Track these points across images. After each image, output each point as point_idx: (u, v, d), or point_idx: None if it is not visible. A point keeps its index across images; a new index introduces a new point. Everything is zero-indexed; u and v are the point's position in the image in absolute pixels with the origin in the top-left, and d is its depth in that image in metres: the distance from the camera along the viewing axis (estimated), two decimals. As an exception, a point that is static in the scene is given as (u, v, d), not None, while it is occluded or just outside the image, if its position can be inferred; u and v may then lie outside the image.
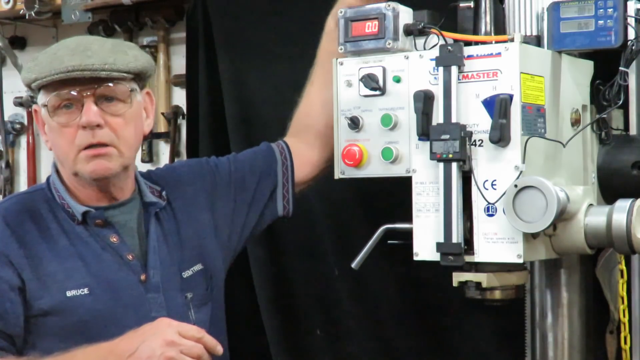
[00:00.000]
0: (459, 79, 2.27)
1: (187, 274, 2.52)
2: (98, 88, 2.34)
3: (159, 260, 2.46)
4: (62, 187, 2.44)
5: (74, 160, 2.36)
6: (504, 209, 2.20)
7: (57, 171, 2.47)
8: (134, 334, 2.22)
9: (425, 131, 2.29)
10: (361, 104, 2.44)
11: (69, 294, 2.32)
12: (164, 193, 2.56)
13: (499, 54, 2.24)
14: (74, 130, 2.35)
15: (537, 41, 2.37)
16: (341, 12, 2.45)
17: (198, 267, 2.54)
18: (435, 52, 2.30)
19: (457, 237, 2.25)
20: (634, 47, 2.31)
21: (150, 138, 3.91)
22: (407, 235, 2.38)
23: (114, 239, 2.42)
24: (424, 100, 2.29)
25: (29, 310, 2.31)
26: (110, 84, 2.35)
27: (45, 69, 2.32)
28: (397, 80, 2.38)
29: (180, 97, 3.84)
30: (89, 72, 2.31)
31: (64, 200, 2.42)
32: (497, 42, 2.28)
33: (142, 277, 2.42)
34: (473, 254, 2.27)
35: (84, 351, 2.23)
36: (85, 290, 2.34)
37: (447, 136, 2.25)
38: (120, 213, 2.45)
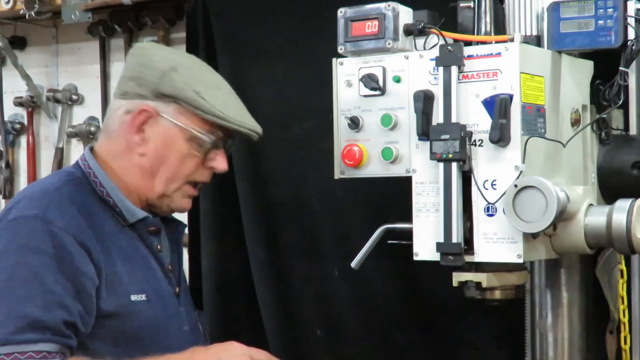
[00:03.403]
0: (459, 79, 2.27)
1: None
2: (233, 144, 2.44)
3: (183, 276, 2.49)
4: (112, 184, 2.37)
5: (175, 188, 2.37)
6: (504, 209, 2.20)
7: (100, 161, 2.39)
8: (206, 351, 2.22)
9: (425, 131, 2.29)
10: (361, 104, 2.44)
11: (133, 298, 2.28)
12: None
13: (499, 54, 2.24)
14: (195, 162, 2.37)
15: (537, 41, 2.37)
16: (341, 11, 2.45)
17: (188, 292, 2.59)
18: (435, 52, 2.30)
19: (457, 237, 2.25)
20: (634, 47, 2.31)
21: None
22: (407, 235, 2.37)
23: (159, 248, 2.41)
24: (424, 100, 2.28)
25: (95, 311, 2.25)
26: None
27: (232, 114, 2.36)
28: (397, 80, 2.38)
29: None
30: (256, 135, 2.42)
31: (110, 198, 2.36)
32: (497, 42, 2.29)
33: (177, 290, 2.43)
34: (473, 253, 2.27)
35: (169, 357, 2.21)
36: (144, 297, 2.31)
37: (447, 136, 2.25)
38: None
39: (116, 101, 2.42)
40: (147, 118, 2.35)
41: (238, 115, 2.40)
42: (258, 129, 2.44)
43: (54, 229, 2.20)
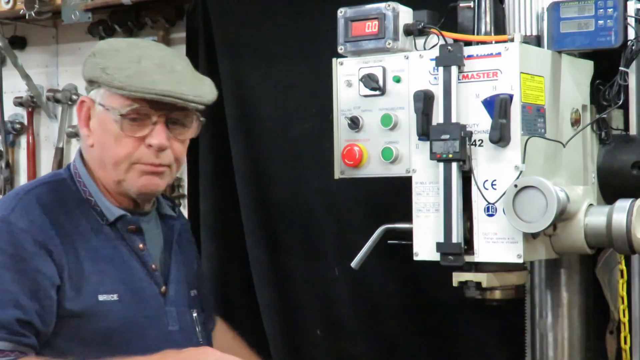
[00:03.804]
0: (458, 79, 2.27)
1: (192, 292, 2.54)
2: (171, 112, 2.34)
3: (175, 275, 2.46)
4: (93, 184, 2.38)
5: (125, 171, 2.34)
6: (504, 209, 2.20)
7: (85, 165, 2.41)
8: (178, 354, 2.20)
9: (425, 131, 2.29)
10: (361, 104, 2.44)
11: (100, 298, 2.28)
12: (176, 209, 2.58)
13: (499, 54, 2.24)
14: (134, 142, 2.32)
15: (537, 41, 2.37)
16: (341, 11, 2.45)
17: (195, 292, 2.56)
18: (435, 52, 2.30)
19: (457, 237, 2.25)
20: (634, 47, 2.31)
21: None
22: (407, 235, 2.37)
23: (141, 247, 2.39)
24: (424, 100, 2.29)
25: (60, 311, 2.25)
26: (184, 112, 2.35)
27: (135, 83, 2.28)
28: (397, 80, 2.38)
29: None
30: (182, 102, 2.30)
31: (92, 197, 2.36)
32: (497, 42, 2.29)
33: (162, 289, 2.41)
34: (473, 253, 2.27)
35: None
36: (115, 297, 2.30)
37: (447, 136, 2.25)
38: (142, 221, 2.43)
39: None
40: (88, 109, 2.37)
41: (148, 83, 2.28)
42: (178, 94, 2.29)
43: (14, 230, 2.24)
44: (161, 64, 2.34)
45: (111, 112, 2.32)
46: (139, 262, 2.38)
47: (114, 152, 2.33)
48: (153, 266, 2.40)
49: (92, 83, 2.36)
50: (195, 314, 2.50)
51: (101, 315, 2.27)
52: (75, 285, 2.26)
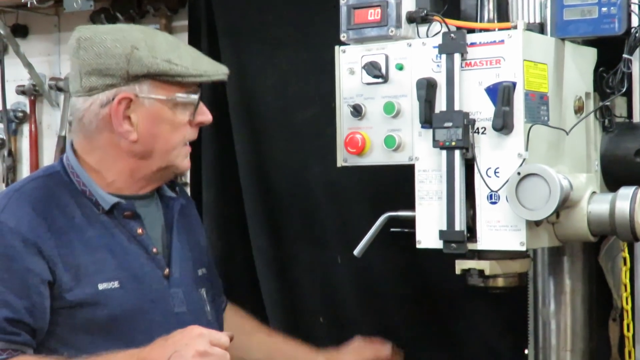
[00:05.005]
0: (461, 67, 2.27)
1: (200, 271, 2.54)
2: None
3: (179, 256, 2.46)
4: (85, 173, 2.38)
5: (177, 155, 2.38)
6: (507, 197, 2.19)
7: (77, 156, 2.40)
8: (165, 342, 2.20)
9: (428, 119, 2.29)
10: (364, 91, 2.43)
11: (100, 287, 2.28)
12: (177, 188, 2.58)
13: (502, 42, 2.23)
14: (186, 126, 2.39)
15: (541, 28, 2.36)
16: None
17: (203, 270, 2.57)
18: (438, 40, 2.29)
19: (459, 224, 2.25)
20: (637, 35, 2.31)
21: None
22: (410, 222, 2.37)
23: (140, 231, 2.39)
24: (427, 88, 2.28)
25: (59, 302, 2.26)
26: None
27: (197, 67, 2.36)
28: (400, 67, 2.38)
29: (182, 85, 3.84)
30: (223, 76, 2.43)
31: (85, 187, 2.36)
32: (500, 29, 2.28)
33: (166, 271, 2.41)
34: (476, 241, 2.27)
35: (116, 356, 2.21)
36: (116, 284, 2.30)
37: (450, 124, 2.24)
38: (141, 205, 2.43)
39: (80, 100, 2.37)
40: (129, 104, 2.33)
41: (209, 65, 2.42)
42: (226, 69, 2.46)
43: (3, 230, 2.25)
44: (184, 44, 2.43)
45: (168, 101, 2.34)
46: (139, 247, 2.38)
47: (170, 139, 2.37)
48: (154, 250, 2.40)
49: (138, 77, 2.32)
50: (204, 293, 2.51)
51: (103, 304, 2.28)
52: (74, 277, 2.27)
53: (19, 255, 2.23)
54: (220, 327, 2.54)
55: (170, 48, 2.35)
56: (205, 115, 2.43)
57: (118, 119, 2.33)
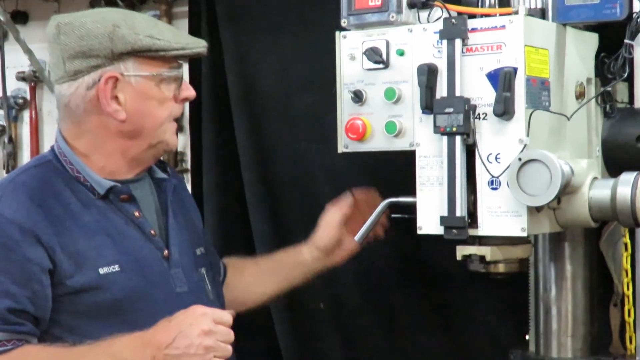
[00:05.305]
0: (462, 52, 2.26)
1: (198, 251, 2.55)
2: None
3: (176, 236, 2.47)
4: (78, 159, 2.38)
5: (164, 131, 2.40)
6: (508, 183, 2.19)
7: (67, 143, 2.41)
8: (169, 323, 2.22)
9: (429, 105, 2.28)
10: (364, 77, 2.43)
11: (101, 271, 2.28)
12: (168, 168, 2.57)
13: (503, 27, 2.23)
14: (172, 100, 2.40)
15: (542, 14, 2.35)
16: (346, -15, 2.44)
17: (202, 249, 2.58)
18: (439, 25, 2.29)
19: (460, 210, 2.25)
20: (639, 20, 2.30)
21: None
22: (411, 208, 2.37)
23: (137, 214, 2.40)
24: (428, 74, 2.28)
25: (61, 289, 2.26)
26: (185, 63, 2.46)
27: (180, 41, 2.38)
28: (401, 53, 2.37)
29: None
30: (203, 49, 2.45)
31: (79, 174, 2.37)
32: (501, 14, 2.27)
33: (165, 253, 2.42)
34: (477, 227, 2.27)
35: (121, 340, 2.22)
36: (117, 267, 2.30)
37: (451, 109, 2.24)
38: (135, 188, 2.44)
39: (65, 85, 2.37)
40: (115, 83, 2.34)
41: (189, 39, 2.45)
42: (205, 43, 2.49)
43: (0, 221, 2.26)
44: (153, 21, 2.43)
45: (153, 77, 2.35)
46: (136, 229, 2.39)
47: (157, 116, 2.38)
48: (152, 232, 2.41)
49: (122, 55, 2.33)
50: (203, 272, 2.52)
51: (105, 288, 2.29)
52: (74, 264, 2.27)
53: (18, 245, 2.24)
54: (221, 305, 2.55)
55: (149, 25, 2.37)
56: (189, 91, 2.45)
57: (106, 99, 2.34)
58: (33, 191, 2.32)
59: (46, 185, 2.34)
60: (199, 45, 2.44)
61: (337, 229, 2.71)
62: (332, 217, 2.73)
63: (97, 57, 2.32)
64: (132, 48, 2.32)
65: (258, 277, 2.82)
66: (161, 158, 2.61)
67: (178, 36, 2.41)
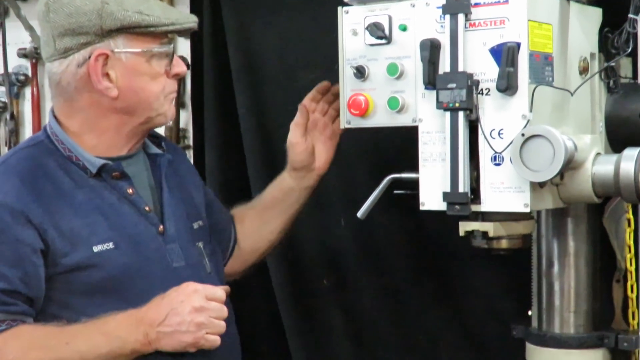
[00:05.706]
0: (465, 27, 2.25)
1: (196, 225, 2.54)
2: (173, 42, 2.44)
3: (172, 211, 2.47)
4: (69, 138, 2.39)
5: (161, 105, 2.40)
6: (511, 158, 2.19)
7: (59, 122, 2.42)
8: (161, 301, 2.23)
9: (431, 80, 2.27)
10: (367, 53, 2.42)
11: (95, 249, 2.29)
12: (163, 143, 2.57)
13: (506, 2, 2.21)
14: (163, 76, 2.39)
15: (545, -12, 2.34)
16: (347, -39, 2.43)
17: (200, 223, 2.58)
18: (442, 0, 2.27)
19: (463, 186, 2.25)
20: (643, -6, 2.28)
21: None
22: (414, 184, 2.37)
23: (130, 191, 2.40)
24: (431, 49, 2.27)
25: (55, 269, 2.27)
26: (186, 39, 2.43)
27: (169, 16, 2.36)
28: (403, 28, 2.36)
29: (184, 47, 3.81)
30: (193, 24, 2.44)
31: (71, 153, 2.38)
32: (504, -11, 2.26)
33: (160, 228, 2.42)
34: (480, 203, 2.27)
35: (115, 318, 2.24)
36: (111, 245, 2.31)
37: (454, 85, 2.23)
38: (128, 165, 2.44)
39: (56, 63, 2.37)
40: (105, 60, 2.33)
41: (178, 14, 2.43)
42: (195, 18, 2.47)
43: None
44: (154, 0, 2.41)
45: (143, 53, 2.34)
46: (130, 206, 2.39)
47: (150, 91, 2.37)
48: (146, 208, 2.41)
49: (111, 32, 2.32)
50: (201, 246, 2.52)
51: (100, 266, 2.29)
52: (68, 242, 2.28)
53: (8, 227, 2.24)
54: (220, 279, 2.55)
55: (138, 1, 2.35)
56: (180, 67, 2.43)
57: (97, 76, 2.33)
58: (24, 172, 2.32)
59: (38, 166, 2.35)
60: (189, 21, 2.43)
61: (303, 142, 2.71)
62: (294, 135, 2.72)
63: (86, 34, 2.32)
64: (122, 24, 2.31)
65: (259, 219, 2.82)
66: (160, 133, 2.61)
67: (168, 12, 2.39)
